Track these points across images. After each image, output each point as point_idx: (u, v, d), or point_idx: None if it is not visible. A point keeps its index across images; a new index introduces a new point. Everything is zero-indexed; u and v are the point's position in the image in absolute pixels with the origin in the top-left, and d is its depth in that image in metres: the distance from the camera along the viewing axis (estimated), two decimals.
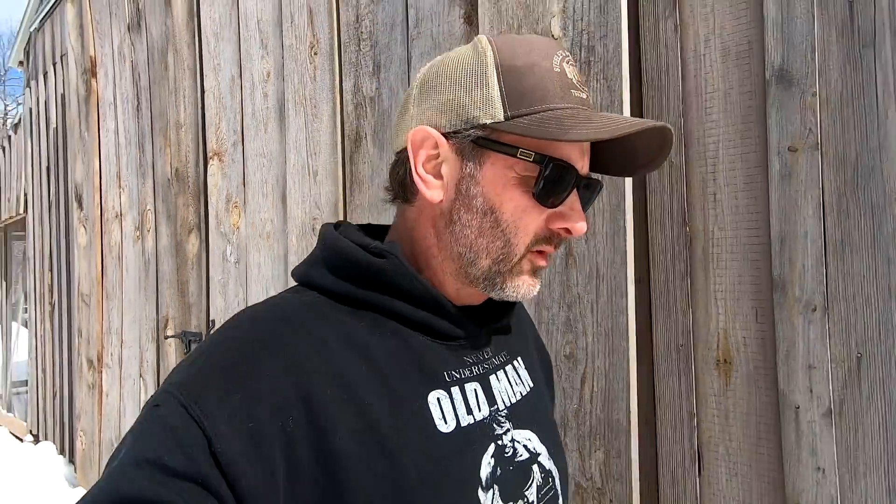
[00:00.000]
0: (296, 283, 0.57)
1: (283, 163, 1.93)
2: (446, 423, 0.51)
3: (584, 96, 0.52)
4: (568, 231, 0.53)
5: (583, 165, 0.53)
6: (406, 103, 0.56)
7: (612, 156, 0.56)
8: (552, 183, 0.50)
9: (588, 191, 0.54)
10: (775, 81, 0.94)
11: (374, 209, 1.63)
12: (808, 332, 0.91)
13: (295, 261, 1.85)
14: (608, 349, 1.11)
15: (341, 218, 1.72)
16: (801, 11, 0.91)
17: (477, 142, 0.51)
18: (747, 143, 0.99)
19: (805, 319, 0.92)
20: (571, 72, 0.52)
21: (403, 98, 0.57)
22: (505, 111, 0.50)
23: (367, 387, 0.48)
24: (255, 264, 2.06)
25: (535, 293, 0.55)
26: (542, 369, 0.70)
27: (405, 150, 0.54)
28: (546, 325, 1.20)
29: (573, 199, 0.52)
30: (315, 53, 1.80)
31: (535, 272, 0.54)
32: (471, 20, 1.36)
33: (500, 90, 0.50)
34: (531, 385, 0.63)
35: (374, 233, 0.60)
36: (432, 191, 0.53)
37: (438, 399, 0.51)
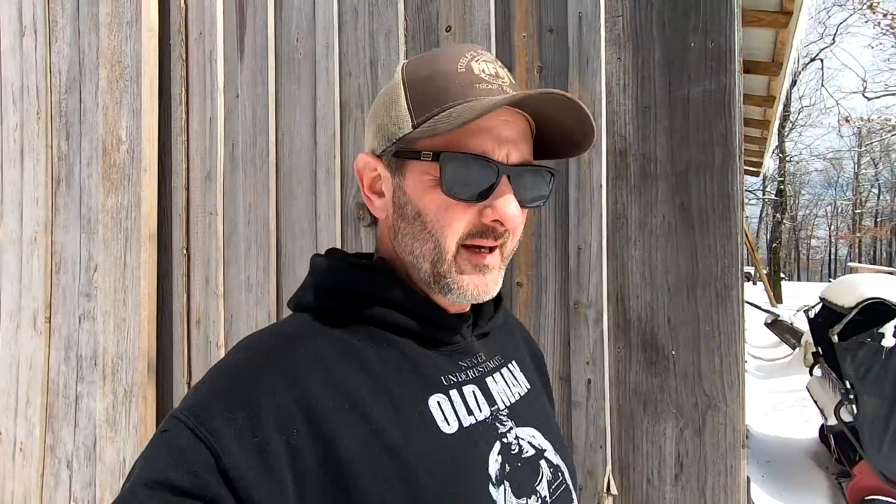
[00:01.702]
0: (291, 313, 0.58)
1: None
2: (449, 424, 0.51)
3: (492, 86, 0.52)
4: (498, 222, 0.52)
5: (507, 153, 0.52)
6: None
7: (553, 138, 0.57)
8: (461, 176, 0.50)
9: (523, 178, 0.53)
10: None
11: None
12: None
13: None
14: None
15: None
16: None
17: (396, 155, 0.54)
18: None
19: None
20: (480, 67, 0.53)
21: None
22: (412, 121, 0.52)
23: (368, 395, 0.49)
24: None
25: (491, 292, 0.55)
26: (535, 369, 0.70)
27: None
28: None
29: (501, 188, 0.51)
30: None
31: (481, 270, 0.54)
32: None
33: (407, 104, 0.53)
34: (528, 386, 0.64)
35: (362, 258, 0.62)
36: (377, 210, 0.58)
37: (439, 402, 0.52)
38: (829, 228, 36.08)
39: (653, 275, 1.08)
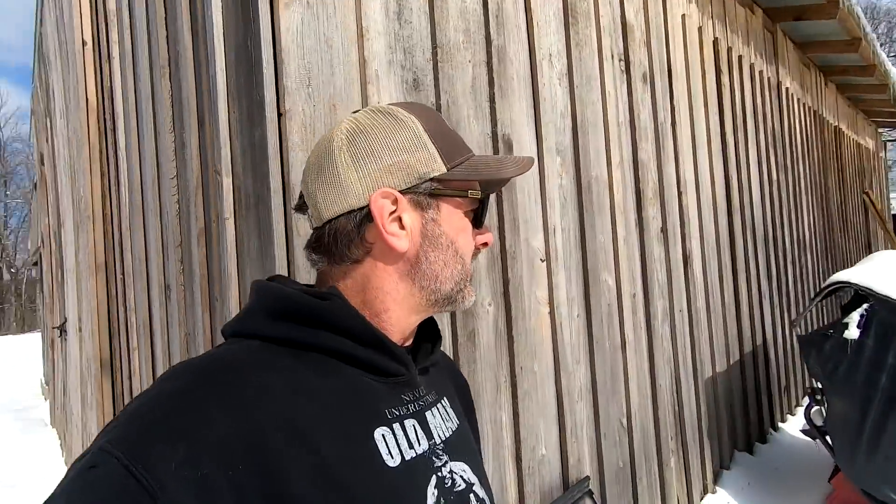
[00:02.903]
0: (225, 340, 0.57)
1: None
2: (392, 457, 0.53)
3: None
4: (485, 244, 0.65)
5: None
6: (330, 171, 0.59)
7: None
8: (483, 211, 0.64)
9: None
10: None
11: None
12: None
13: None
14: None
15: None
16: None
17: (432, 193, 0.59)
18: None
19: None
20: (454, 129, 0.67)
21: (315, 168, 0.61)
22: (445, 164, 0.59)
23: (317, 428, 0.49)
24: None
25: (474, 299, 0.65)
26: (460, 399, 0.73)
27: (351, 213, 0.58)
28: None
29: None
30: None
31: (471, 282, 0.64)
32: None
33: (437, 149, 0.59)
34: (458, 422, 0.66)
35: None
36: (401, 241, 0.58)
37: (384, 435, 0.54)
38: None
39: None
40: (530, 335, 1.54)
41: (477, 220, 0.63)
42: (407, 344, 0.63)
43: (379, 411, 0.55)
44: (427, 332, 0.68)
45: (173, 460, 0.41)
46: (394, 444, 0.54)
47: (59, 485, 0.43)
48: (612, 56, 2.02)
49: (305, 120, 1.04)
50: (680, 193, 2.39)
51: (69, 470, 0.43)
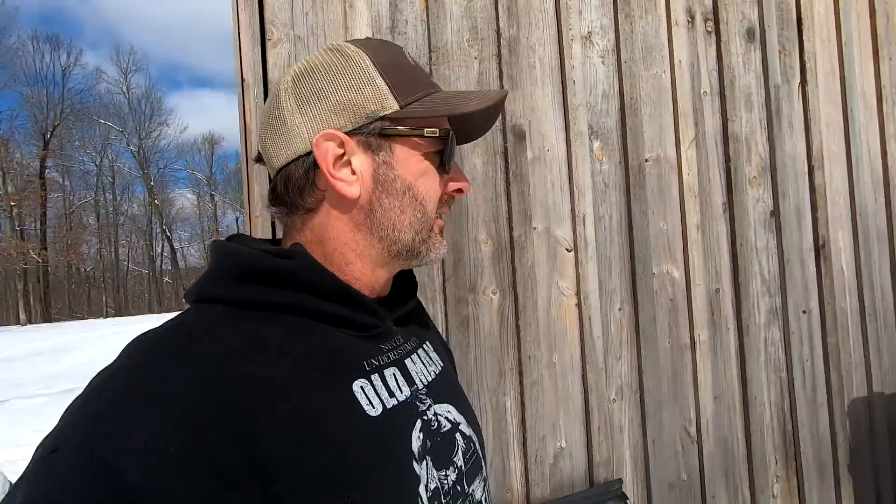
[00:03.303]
0: (189, 306, 0.53)
1: None
2: (374, 407, 0.52)
3: (432, 80, 0.60)
4: (460, 191, 0.61)
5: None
6: (277, 117, 0.56)
7: (461, 125, 0.63)
8: (451, 153, 0.58)
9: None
10: None
11: None
12: None
13: None
14: None
15: None
16: None
17: (382, 133, 0.55)
18: None
19: None
20: (417, 63, 0.60)
21: (265, 114, 0.58)
22: (398, 101, 0.55)
23: (292, 386, 0.47)
24: None
25: (445, 251, 0.61)
26: (441, 346, 0.74)
27: (299, 159, 0.55)
28: None
29: (457, 162, 0.61)
30: None
31: (441, 233, 0.61)
32: None
33: (388, 84, 0.54)
34: (441, 365, 0.66)
35: (271, 244, 0.60)
36: (351, 187, 0.55)
37: (362, 387, 0.52)
38: None
39: None
40: (549, 325, 1.52)
41: (443, 164, 0.58)
42: (380, 295, 0.61)
43: (356, 364, 0.53)
44: (402, 279, 0.66)
45: (140, 439, 0.38)
46: (373, 394, 0.53)
47: (24, 471, 0.39)
48: (692, 18, 1.79)
49: None
50: (811, 170, 1.96)
51: (34, 453, 0.40)
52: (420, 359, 0.62)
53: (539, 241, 1.53)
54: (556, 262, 1.55)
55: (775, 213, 1.89)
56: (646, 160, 1.69)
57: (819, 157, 1.98)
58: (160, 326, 0.48)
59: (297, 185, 0.56)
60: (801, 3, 1.99)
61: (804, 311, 1.92)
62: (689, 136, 1.76)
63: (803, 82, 1.98)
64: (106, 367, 0.44)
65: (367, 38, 0.64)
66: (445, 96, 0.57)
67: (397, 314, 0.62)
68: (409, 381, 0.58)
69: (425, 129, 0.55)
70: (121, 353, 0.46)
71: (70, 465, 0.37)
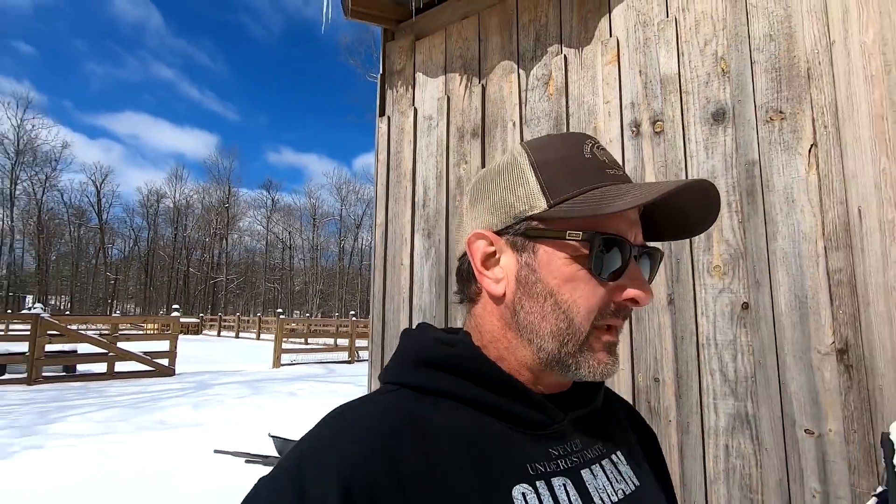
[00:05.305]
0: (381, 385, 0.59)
1: None
2: None
3: (620, 173, 0.55)
4: (634, 301, 0.53)
5: (635, 235, 0.55)
6: (461, 215, 0.63)
7: (666, 221, 0.59)
8: (605, 257, 0.52)
9: (648, 259, 0.57)
10: None
11: None
12: None
13: None
14: None
15: None
16: None
17: (527, 233, 0.54)
18: None
19: None
20: (602, 155, 0.56)
21: (460, 212, 0.65)
22: (547, 200, 0.53)
23: (447, 477, 0.47)
24: None
25: (615, 370, 0.55)
26: (644, 453, 0.65)
27: (465, 254, 0.59)
28: None
29: (633, 269, 0.54)
30: None
31: (609, 349, 0.54)
32: None
33: (539, 183, 0.54)
34: (637, 483, 0.58)
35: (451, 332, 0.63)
36: (497, 285, 0.56)
37: (524, 493, 0.48)
38: None
39: None
40: None
41: (600, 268, 0.52)
42: (555, 391, 0.57)
43: (519, 465, 0.50)
44: None
45: (320, 487, 0.43)
46: None
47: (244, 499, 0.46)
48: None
49: None
50: None
51: (256, 489, 0.46)
52: (605, 472, 0.55)
53: None
54: None
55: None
56: None
57: None
58: (355, 401, 0.53)
59: (463, 277, 0.60)
60: None
61: None
62: None
63: None
64: (311, 429, 0.50)
65: (552, 134, 0.62)
66: (603, 192, 0.52)
67: (576, 414, 0.56)
68: (586, 498, 0.51)
69: (567, 232, 0.52)
70: (324, 418, 0.51)
71: (270, 489, 0.45)
